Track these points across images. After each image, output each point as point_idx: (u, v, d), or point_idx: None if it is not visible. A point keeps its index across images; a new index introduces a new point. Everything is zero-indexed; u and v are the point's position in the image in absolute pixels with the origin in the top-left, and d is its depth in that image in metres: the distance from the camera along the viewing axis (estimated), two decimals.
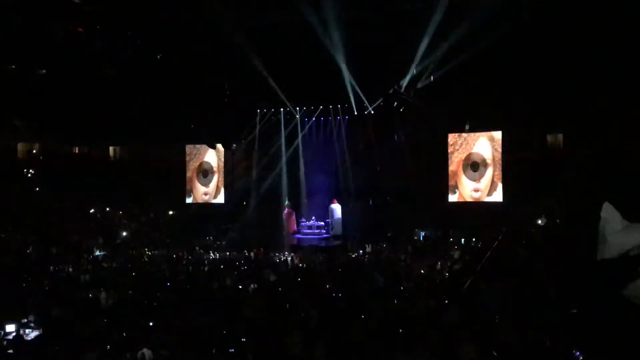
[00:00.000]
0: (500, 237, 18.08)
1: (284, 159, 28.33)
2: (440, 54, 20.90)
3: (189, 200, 30.06)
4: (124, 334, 9.80)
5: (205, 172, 30.16)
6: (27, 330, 10.41)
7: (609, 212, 3.96)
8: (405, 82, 23.44)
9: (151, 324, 10.43)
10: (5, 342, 9.95)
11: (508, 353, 6.86)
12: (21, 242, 20.20)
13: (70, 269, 17.49)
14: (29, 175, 26.80)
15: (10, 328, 10.38)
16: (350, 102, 25.99)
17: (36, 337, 10.24)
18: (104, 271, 17.44)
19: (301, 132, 28.41)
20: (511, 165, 23.91)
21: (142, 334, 9.77)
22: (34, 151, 28.86)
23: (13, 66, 22.45)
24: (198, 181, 30.22)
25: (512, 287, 10.53)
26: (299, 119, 28.30)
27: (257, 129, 28.74)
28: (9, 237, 20.34)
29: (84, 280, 15.81)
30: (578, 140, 21.71)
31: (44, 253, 19.88)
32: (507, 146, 24.25)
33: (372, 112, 26.15)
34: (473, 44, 19.24)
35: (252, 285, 14.47)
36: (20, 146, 28.36)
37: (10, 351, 9.45)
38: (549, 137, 24.38)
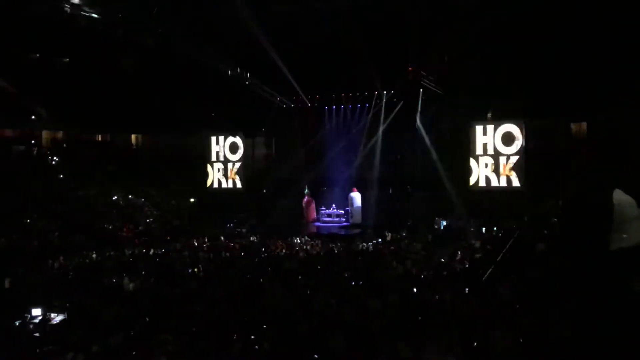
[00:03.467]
0: (521, 227, 17.94)
1: (304, 147, 28.37)
2: (463, 41, 20.65)
3: (210, 187, 30.27)
4: (146, 320, 9.94)
5: (226, 160, 30.33)
6: (52, 315, 10.61)
7: (622, 199, 3.85)
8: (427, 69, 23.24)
9: (172, 310, 10.57)
10: (31, 326, 10.18)
11: (529, 343, 6.84)
12: (45, 228, 20.53)
13: (94, 255, 17.76)
14: (53, 162, 27.21)
15: (37, 312, 10.60)
16: (371, 91, 25.90)
17: (61, 321, 10.45)
18: (126, 258, 17.66)
19: (321, 120, 28.38)
20: (534, 154, 23.59)
21: (164, 319, 9.91)
22: (58, 139, 29.31)
23: (37, 55, 22.74)
24: (219, 169, 30.42)
25: (533, 278, 10.44)
26: (319, 107, 28.26)
27: (278, 118, 28.76)
28: (33, 223, 20.69)
29: (107, 267, 16.04)
30: (603, 129, 21.31)
31: (68, 239, 20.22)
32: (530, 134, 23.92)
33: (394, 100, 26.00)
34: (497, 30, 18.98)
35: (269, 272, 14.61)
36: (44, 134, 28.81)
37: (37, 334, 9.68)
38: (573, 126, 23.99)
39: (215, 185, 30.31)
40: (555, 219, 15.66)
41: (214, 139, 30.56)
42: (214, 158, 30.50)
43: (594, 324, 6.64)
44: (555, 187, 18.67)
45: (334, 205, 27.30)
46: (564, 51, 19.42)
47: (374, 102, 26.66)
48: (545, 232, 15.22)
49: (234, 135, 29.93)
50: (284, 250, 18.83)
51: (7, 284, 13.30)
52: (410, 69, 23.44)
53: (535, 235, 14.74)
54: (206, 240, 21.41)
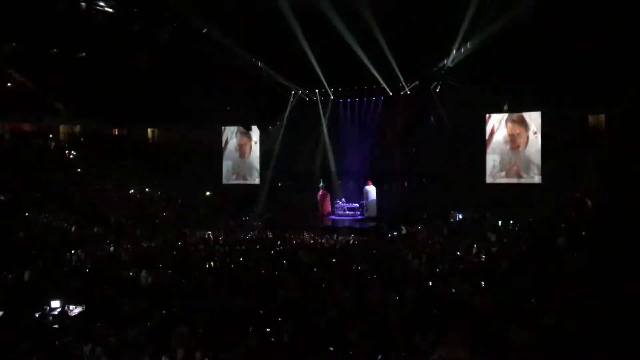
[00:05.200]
0: (538, 220, 17.78)
1: (319, 140, 28.36)
2: (478, 32, 20.44)
3: (225, 181, 30.42)
4: (163, 312, 10.03)
5: (241, 154, 30.43)
6: (71, 307, 10.73)
7: None
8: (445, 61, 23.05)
9: (189, 303, 10.66)
10: (50, 318, 10.31)
11: (546, 337, 6.78)
12: (63, 221, 20.75)
13: (112, 249, 17.92)
14: (71, 156, 27.48)
15: (56, 304, 10.73)
16: (386, 83, 25.77)
17: (80, 313, 10.58)
18: (143, 251, 17.79)
19: (336, 113, 28.32)
20: (551, 147, 23.31)
21: (181, 312, 10.00)
22: (75, 133, 29.59)
23: (54, 50, 22.92)
24: (234, 162, 30.54)
25: (550, 272, 10.35)
26: (334, 100, 28.21)
27: (292, 111, 28.78)
28: (51, 217, 20.91)
29: (125, 260, 16.18)
30: (621, 121, 20.96)
31: (86, 232, 20.42)
32: (547, 127, 23.63)
33: (408, 92, 25.85)
34: (511, 21, 18.75)
35: (285, 265, 14.65)
36: (61, 128, 29.11)
37: (56, 326, 9.81)
38: (591, 118, 23.66)
39: (230, 178, 30.46)
40: (573, 213, 15.49)
41: (228, 131, 30.70)
42: (228, 151, 30.63)
43: (613, 320, 6.56)
44: (573, 180, 18.47)
45: (343, 199, 27.27)
46: (580, 42, 19.14)
47: (388, 94, 26.53)
48: (563, 225, 15.08)
49: (249, 129, 30.00)
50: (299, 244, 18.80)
51: (26, 276, 13.46)
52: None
53: (553, 229, 14.61)
54: (222, 233, 21.51)
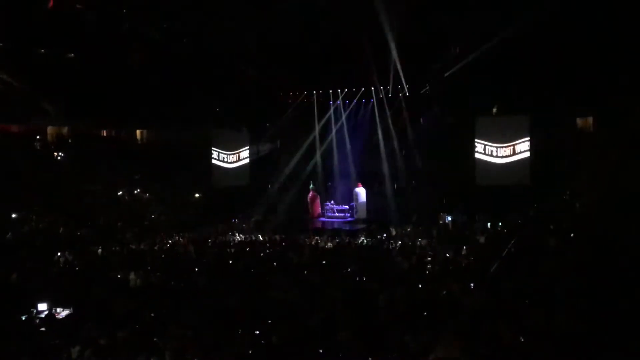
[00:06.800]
0: (527, 222, 17.91)
1: (309, 142, 28.36)
2: (467, 35, 20.54)
3: (215, 183, 30.27)
4: (153, 314, 9.97)
5: (230, 155, 30.32)
6: (58, 309, 10.63)
7: None
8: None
9: (178, 304, 10.60)
10: (37, 321, 10.21)
11: (535, 338, 6.81)
12: (51, 223, 20.59)
13: (100, 250, 17.78)
14: (59, 158, 27.27)
15: (43, 307, 10.63)
16: (377, 86, 25.84)
17: (67, 315, 10.48)
18: (132, 252, 17.68)
19: (327, 115, 28.32)
20: (539, 149, 23.44)
21: (170, 314, 9.94)
22: (64, 134, 29.36)
23: (42, 50, 22.73)
24: (224, 164, 30.41)
25: (539, 273, 10.42)
26: (325, 102, 28.20)
27: (283, 112, 28.75)
28: (39, 218, 20.75)
29: (113, 262, 16.06)
30: (609, 123, 21.14)
31: (74, 234, 20.26)
32: (536, 129, 23.76)
33: (399, 95, 25.91)
34: (501, 24, 18.85)
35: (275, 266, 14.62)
36: (49, 129, 28.87)
37: (43, 329, 9.71)
38: (579, 120, 23.84)
39: (220, 180, 30.33)
40: (562, 214, 15.60)
41: (218, 133, 30.59)
42: (218, 153, 30.51)
43: (602, 320, 6.60)
44: (562, 182, 18.61)
45: (332, 201, 27.28)
46: (569, 44, 19.28)
47: (379, 97, 26.59)
48: (552, 227, 15.20)
49: (239, 130, 29.87)
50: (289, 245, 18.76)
51: (14, 278, 13.33)
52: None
53: (542, 231, 14.72)
54: (211, 235, 21.44)
